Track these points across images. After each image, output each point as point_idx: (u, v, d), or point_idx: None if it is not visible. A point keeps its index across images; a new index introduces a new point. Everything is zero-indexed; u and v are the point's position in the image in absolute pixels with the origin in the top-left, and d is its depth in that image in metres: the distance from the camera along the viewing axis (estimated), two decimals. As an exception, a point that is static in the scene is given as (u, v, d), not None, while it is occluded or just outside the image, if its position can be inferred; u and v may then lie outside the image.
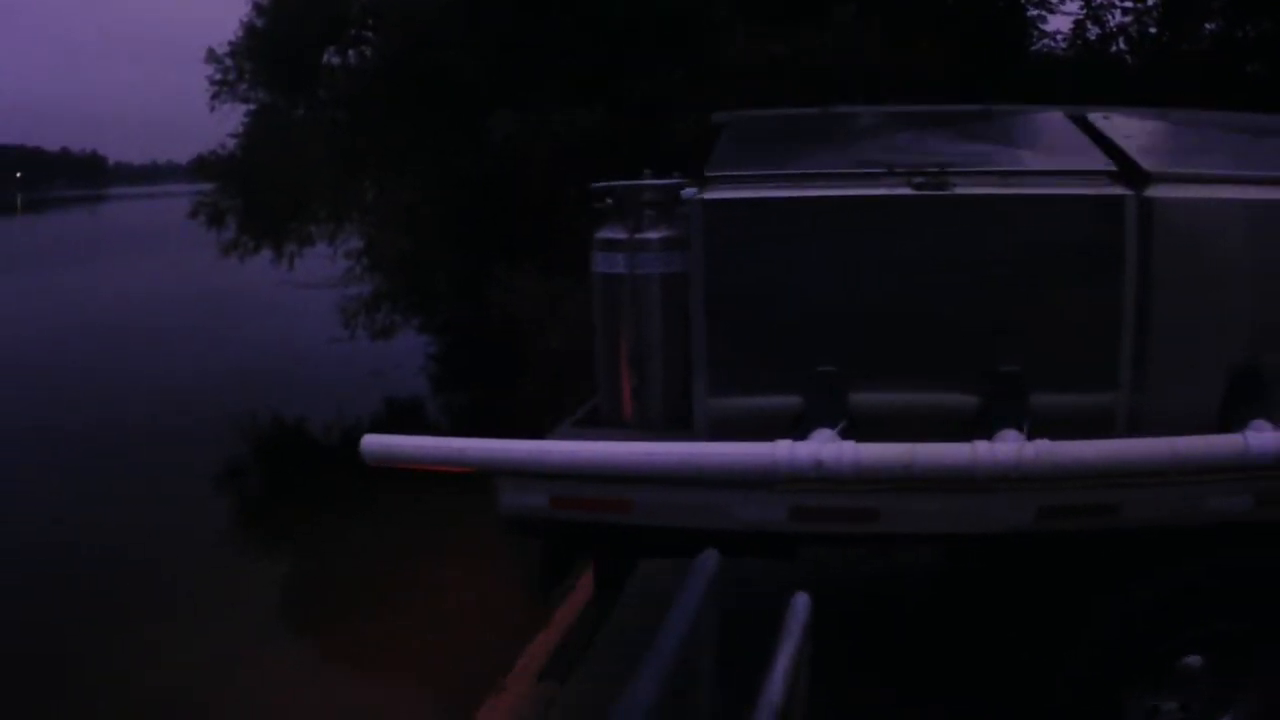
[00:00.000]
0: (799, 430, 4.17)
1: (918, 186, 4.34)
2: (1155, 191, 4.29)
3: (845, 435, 4.13)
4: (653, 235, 4.80)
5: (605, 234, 4.94)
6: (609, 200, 4.97)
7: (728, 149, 5.02)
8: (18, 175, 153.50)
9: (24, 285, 34.01)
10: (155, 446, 12.68)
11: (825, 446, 3.94)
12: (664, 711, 2.21)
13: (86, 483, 11.15)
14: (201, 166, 17.95)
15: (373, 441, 4.52)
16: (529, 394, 10.87)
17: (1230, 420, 4.15)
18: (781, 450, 3.92)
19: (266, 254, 17.38)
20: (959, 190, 4.33)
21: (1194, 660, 4.05)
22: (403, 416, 14.56)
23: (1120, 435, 4.21)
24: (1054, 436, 3.90)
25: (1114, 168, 4.45)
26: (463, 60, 13.29)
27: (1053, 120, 5.08)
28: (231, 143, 17.27)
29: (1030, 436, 3.99)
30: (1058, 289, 4.35)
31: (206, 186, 18.18)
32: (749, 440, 4.07)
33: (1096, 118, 4.93)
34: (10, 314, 25.78)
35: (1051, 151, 4.78)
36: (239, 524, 10.86)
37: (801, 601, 3.04)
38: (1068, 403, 4.35)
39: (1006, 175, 4.48)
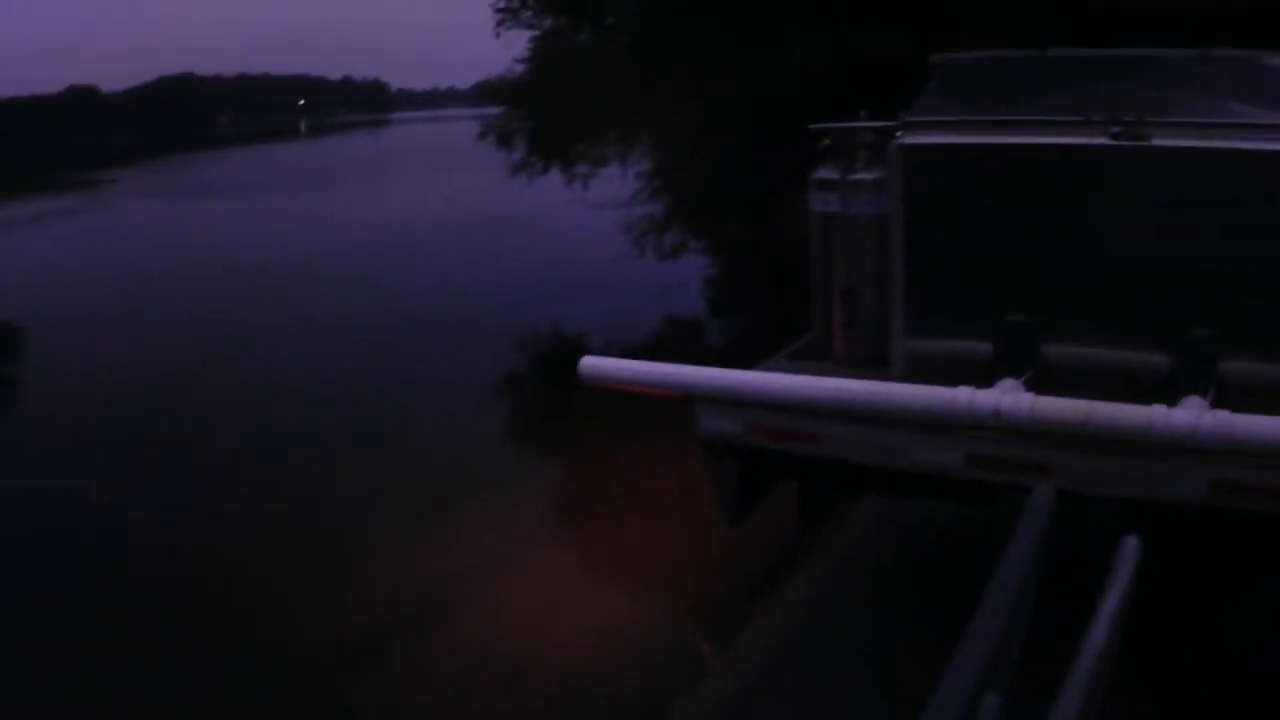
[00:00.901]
0: (988, 377, 4.24)
1: (1114, 136, 4.25)
2: None
3: (1031, 386, 4.16)
4: (866, 176, 4.95)
5: (821, 174, 5.13)
6: (827, 141, 5.14)
7: (935, 92, 5.08)
8: (300, 103, 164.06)
9: (309, 203, 37.14)
10: (448, 356, 13.67)
11: (1005, 396, 4.00)
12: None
13: (376, 387, 12.27)
14: (486, 91, 18.78)
15: (589, 363, 5.00)
16: (802, 320, 10.95)
17: None
18: (962, 396, 4.03)
19: (555, 174, 18.07)
20: (1156, 141, 4.20)
21: None
22: (680, 335, 14.96)
23: None
24: (1247, 409, 3.73)
25: None
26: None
27: (1268, 66, 4.79)
28: (517, 68, 17.95)
29: (1215, 405, 3.85)
30: (1258, 251, 4.14)
31: (489, 110, 18.99)
32: (942, 383, 4.17)
33: None
34: (301, 230, 28.25)
35: (1267, 101, 4.50)
36: (510, 430, 11.52)
37: (1131, 546, 2.97)
38: (1265, 373, 4.16)
39: (1208, 127, 4.26)
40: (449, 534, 7.67)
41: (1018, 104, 4.80)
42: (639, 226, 16.77)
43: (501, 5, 17.38)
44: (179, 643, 6.22)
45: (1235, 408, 3.74)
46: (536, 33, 17.51)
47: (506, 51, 17.69)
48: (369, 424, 10.79)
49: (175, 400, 11.86)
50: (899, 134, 4.66)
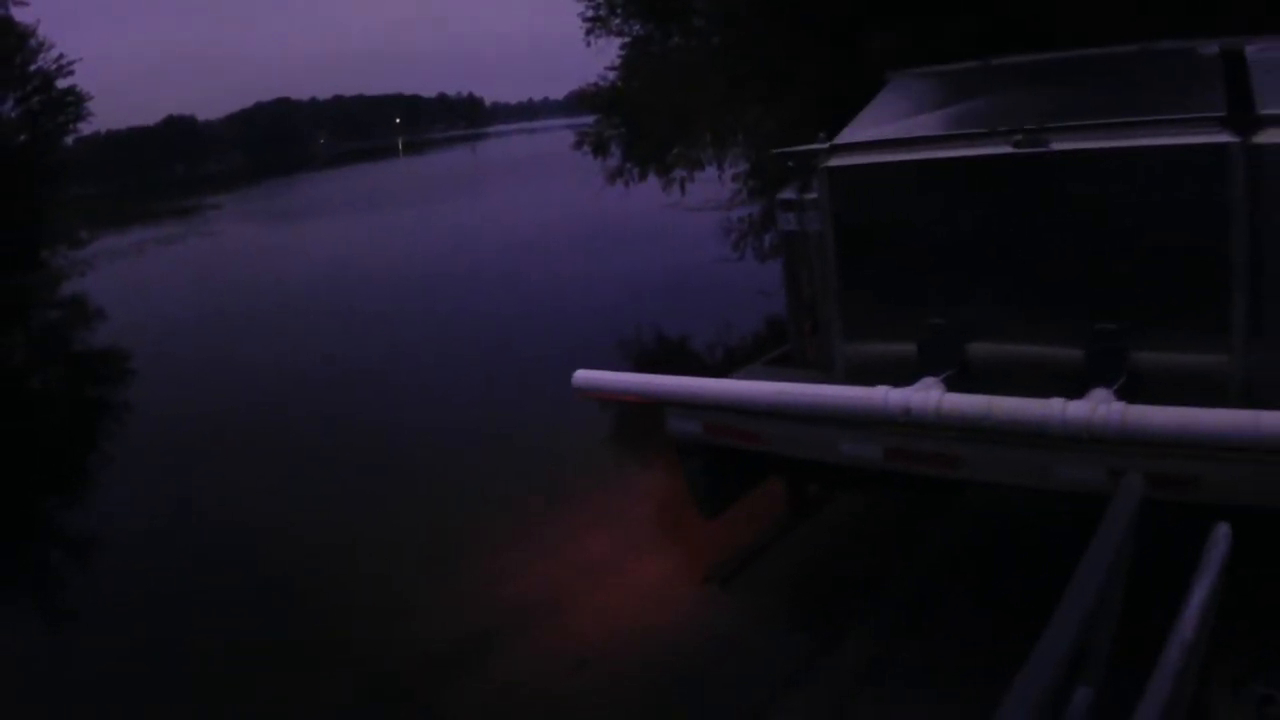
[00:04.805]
0: (912, 377, 4.96)
1: (1016, 144, 4.81)
2: (1265, 137, 4.31)
3: (951, 384, 4.85)
4: (814, 195, 5.70)
5: (784, 194, 5.96)
6: (790, 163, 5.98)
7: (874, 109, 5.84)
8: (396, 121, 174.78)
9: (413, 219, 39.60)
10: (547, 359, 14.55)
11: (915, 394, 4.67)
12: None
13: (467, 391, 13.30)
14: (580, 100, 19.87)
15: (582, 375, 5.86)
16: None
17: None
18: (877, 395, 4.73)
19: (652, 180, 18.94)
20: (1054, 146, 4.73)
21: None
22: (779, 338, 15.52)
23: (1233, 402, 4.29)
24: (1159, 400, 4.08)
25: (1224, 113, 4.52)
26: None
27: (1198, 57, 5.20)
28: (609, 75, 18.88)
29: (1121, 396, 4.31)
30: (1161, 244, 4.53)
31: (583, 119, 20.02)
32: (873, 384, 4.83)
33: (1253, 51, 5.04)
34: (411, 246, 30.40)
35: (1173, 95, 4.88)
36: (601, 434, 12.11)
37: (1222, 531, 3.03)
38: (1174, 364, 4.58)
39: (1106, 127, 4.70)
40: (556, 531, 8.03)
41: (950, 117, 5.49)
42: (737, 228, 17.50)
43: (590, 14, 18.46)
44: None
45: (1145, 398, 4.17)
46: (626, 40, 18.48)
47: (598, 60, 18.63)
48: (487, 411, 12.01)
49: (276, 427, 12.68)
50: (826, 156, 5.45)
